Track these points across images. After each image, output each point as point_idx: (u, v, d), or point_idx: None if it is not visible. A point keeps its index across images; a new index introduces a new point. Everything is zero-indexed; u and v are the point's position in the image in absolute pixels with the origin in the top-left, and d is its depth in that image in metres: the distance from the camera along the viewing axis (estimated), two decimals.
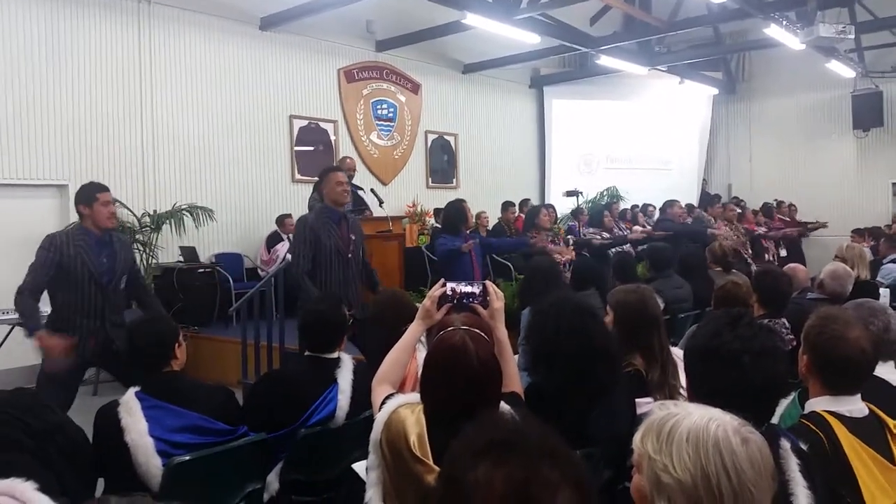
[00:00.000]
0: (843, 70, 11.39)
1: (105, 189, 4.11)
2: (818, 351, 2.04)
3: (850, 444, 1.86)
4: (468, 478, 1.01)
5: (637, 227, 9.59)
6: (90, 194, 4.03)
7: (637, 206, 11.70)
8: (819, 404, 2.00)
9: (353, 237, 4.67)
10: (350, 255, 4.60)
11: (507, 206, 9.44)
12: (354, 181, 7.03)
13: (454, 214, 5.77)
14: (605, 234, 9.25)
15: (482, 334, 2.02)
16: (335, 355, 2.97)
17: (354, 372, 2.91)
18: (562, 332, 2.37)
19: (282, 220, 8.78)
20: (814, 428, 1.89)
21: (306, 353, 3.01)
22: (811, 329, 2.09)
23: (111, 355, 3.98)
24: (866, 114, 12.65)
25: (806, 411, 2.04)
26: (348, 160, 7.67)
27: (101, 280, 3.96)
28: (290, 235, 8.40)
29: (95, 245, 3.99)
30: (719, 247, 5.96)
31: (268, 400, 2.85)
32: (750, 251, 9.23)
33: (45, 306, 4.05)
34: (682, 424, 1.24)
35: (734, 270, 5.74)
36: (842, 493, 1.79)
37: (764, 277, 3.93)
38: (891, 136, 12.83)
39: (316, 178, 8.00)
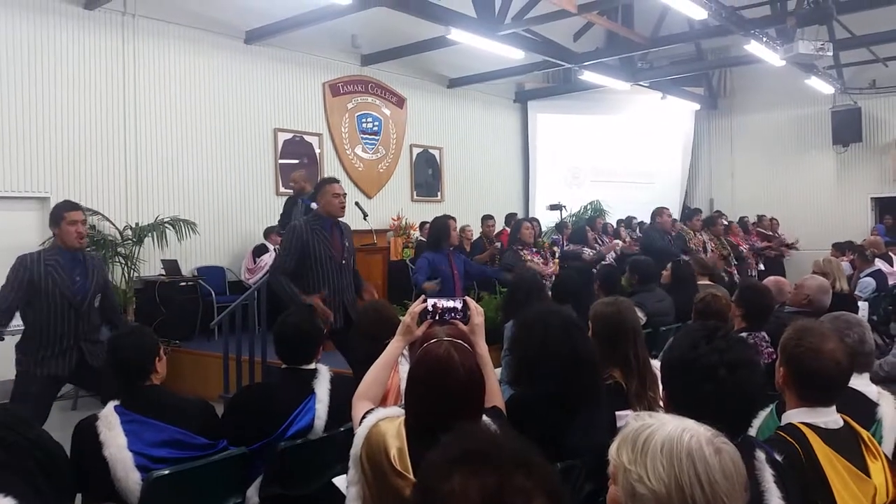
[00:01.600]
0: (822, 86, 11.58)
1: (74, 208, 4.06)
2: (794, 363, 2.06)
3: (825, 456, 1.88)
4: (443, 487, 1.02)
5: (616, 241, 9.62)
6: (58, 214, 4.02)
7: (622, 219, 11.75)
8: (795, 416, 2.03)
9: (347, 244, 4.74)
10: (343, 262, 4.68)
11: (486, 219, 9.49)
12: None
13: (437, 231, 5.79)
14: (588, 250, 9.29)
15: (466, 346, 2.03)
16: (312, 366, 2.97)
17: (332, 382, 2.92)
18: (549, 343, 2.38)
19: (269, 232, 8.74)
20: (789, 439, 1.91)
21: (283, 365, 3.01)
22: (787, 342, 2.12)
23: (86, 371, 3.97)
24: (845, 129, 12.84)
25: (782, 423, 2.06)
26: (295, 174, 7.91)
27: (75, 299, 3.94)
28: (277, 247, 8.37)
29: (69, 263, 3.97)
30: (706, 258, 6.03)
31: (246, 412, 2.85)
32: (735, 264, 9.28)
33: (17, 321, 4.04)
34: (657, 435, 1.25)
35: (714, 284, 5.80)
36: (817, 503, 1.81)
37: (747, 292, 3.97)
38: (869, 152, 13.03)
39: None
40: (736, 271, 9.01)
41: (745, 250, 9.90)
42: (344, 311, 4.64)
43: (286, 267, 4.53)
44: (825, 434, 1.94)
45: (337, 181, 4.91)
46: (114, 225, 7.58)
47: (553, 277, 6.46)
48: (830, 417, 2.00)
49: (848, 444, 1.94)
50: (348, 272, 4.73)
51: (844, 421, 2.01)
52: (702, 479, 1.21)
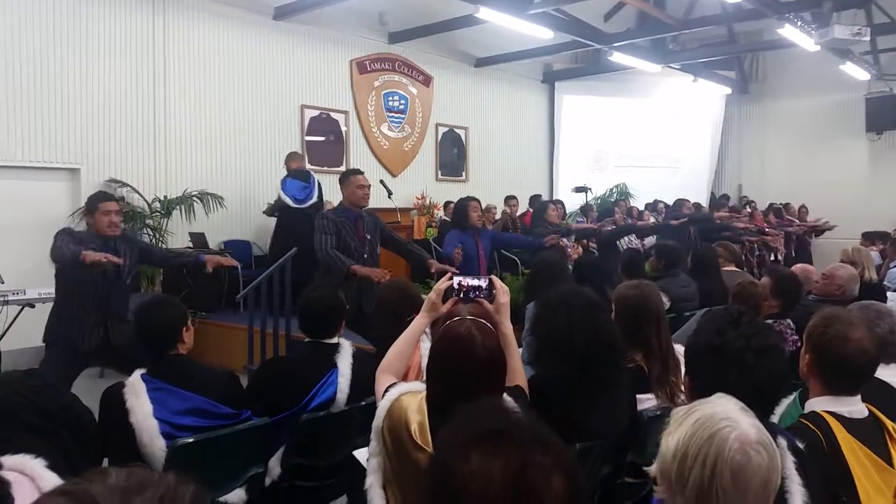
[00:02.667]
0: (857, 72, 11.32)
1: (108, 198, 4.20)
2: (820, 350, 2.04)
3: (849, 445, 1.86)
4: (462, 468, 1.01)
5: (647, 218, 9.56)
6: (92, 205, 4.14)
7: (650, 203, 11.65)
8: (819, 404, 2.00)
9: (369, 237, 4.79)
10: (366, 255, 4.75)
11: (508, 199, 9.48)
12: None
13: (457, 213, 5.81)
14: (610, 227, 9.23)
15: (488, 325, 2.03)
16: (335, 340, 3.00)
17: (354, 356, 2.95)
18: (572, 323, 2.38)
19: None
20: (812, 427, 1.89)
21: (306, 339, 3.04)
22: (814, 329, 2.09)
23: (110, 351, 4.05)
24: (880, 116, 12.58)
25: (805, 411, 2.04)
26: (297, 154, 8.25)
27: (106, 282, 4.04)
28: None
29: (102, 249, 4.02)
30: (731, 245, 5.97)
31: (270, 385, 2.88)
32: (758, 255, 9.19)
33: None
34: (707, 410, 1.29)
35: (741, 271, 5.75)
36: (839, 492, 1.80)
37: (780, 280, 3.93)
38: None
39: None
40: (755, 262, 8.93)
41: (769, 236, 9.79)
42: (360, 299, 4.69)
43: (330, 243, 4.63)
44: (849, 423, 1.92)
45: (361, 172, 4.96)
46: (143, 197, 7.68)
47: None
48: (855, 406, 1.97)
49: (872, 434, 1.92)
50: (369, 264, 4.78)
51: (869, 411, 1.99)
52: (707, 463, 1.22)
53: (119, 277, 4.11)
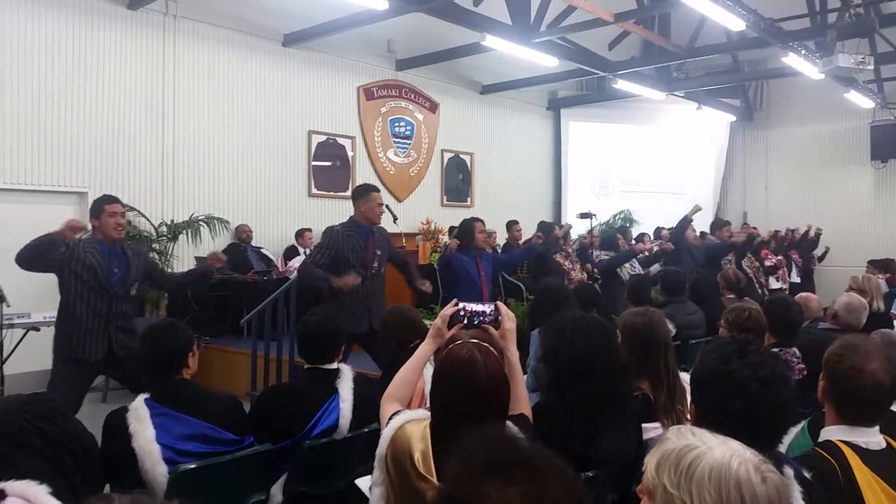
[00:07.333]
0: (861, 100, 11.36)
1: (113, 200, 4.22)
2: (834, 379, 2.02)
3: (864, 476, 1.83)
4: (481, 502, 0.99)
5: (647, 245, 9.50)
6: (98, 206, 4.18)
7: (643, 233, 11.58)
8: (834, 433, 1.98)
9: (379, 252, 4.84)
10: (373, 271, 4.78)
11: (511, 224, 9.48)
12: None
13: (463, 233, 5.82)
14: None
15: (490, 347, 2.02)
16: (334, 366, 2.98)
17: (355, 381, 2.93)
18: (594, 347, 2.37)
19: (301, 233, 8.84)
20: (827, 456, 1.87)
21: (306, 365, 3.03)
22: (831, 356, 2.07)
23: (115, 361, 4.06)
24: (884, 145, 12.58)
25: (821, 439, 2.02)
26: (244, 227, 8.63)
27: (110, 288, 4.06)
28: (308, 249, 8.47)
29: (107, 255, 4.08)
30: (733, 273, 5.93)
31: (273, 411, 2.87)
32: (764, 280, 9.15)
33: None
34: (704, 460, 1.20)
35: (746, 298, 5.71)
36: None
37: (773, 305, 3.90)
38: None
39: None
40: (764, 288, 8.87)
41: (773, 263, 9.74)
42: (369, 316, 4.70)
43: (317, 262, 4.68)
44: (864, 454, 1.89)
45: (378, 189, 5.05)
46: (149, 221, 7.72)
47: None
48: (872, 438, 1.95)
49: (889, 467, 1.88)
50: (379, 279, 4.81)
51: (887, 443, 1.96)
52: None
53: (120, 288, 4.10)
